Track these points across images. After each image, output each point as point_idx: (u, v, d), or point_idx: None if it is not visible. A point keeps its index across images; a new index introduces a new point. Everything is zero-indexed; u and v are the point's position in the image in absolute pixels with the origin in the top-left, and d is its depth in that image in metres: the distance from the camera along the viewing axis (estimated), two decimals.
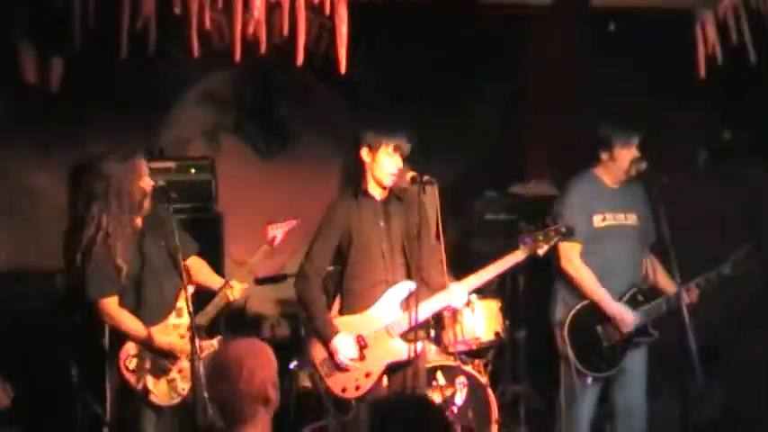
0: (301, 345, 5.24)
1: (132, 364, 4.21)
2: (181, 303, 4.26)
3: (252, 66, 5.36)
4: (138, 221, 4.31)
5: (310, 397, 5.21)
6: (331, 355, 4.31)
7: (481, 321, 5.17)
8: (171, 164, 5.41)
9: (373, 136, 4.33)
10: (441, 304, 4.35)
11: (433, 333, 4.64)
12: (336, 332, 4.32)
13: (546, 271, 4.74)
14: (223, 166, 5.75)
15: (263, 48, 4.23)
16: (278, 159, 6.22)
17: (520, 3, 6.42)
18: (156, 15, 4.14)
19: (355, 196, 4.41)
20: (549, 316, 4.73)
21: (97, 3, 4.17)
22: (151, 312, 4.27)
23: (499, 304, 5.26)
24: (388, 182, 4.34)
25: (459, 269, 4.62)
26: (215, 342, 4.31)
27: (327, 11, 4.24)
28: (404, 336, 4.30)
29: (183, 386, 4.25)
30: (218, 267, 4.86)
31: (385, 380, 4.40)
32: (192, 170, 5.54)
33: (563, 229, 4.41)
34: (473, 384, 5.02)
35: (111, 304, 4.23)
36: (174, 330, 4.27)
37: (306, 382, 5.18)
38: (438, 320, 5.07)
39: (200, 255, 4.51)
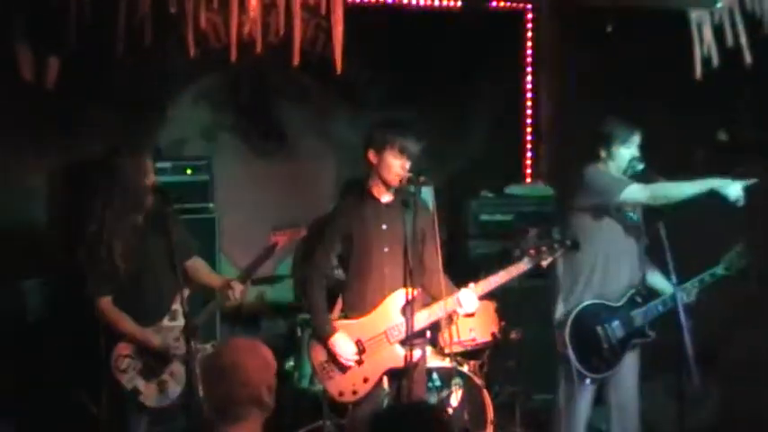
0: (297, 345, 5.24)
1: (123, 364, 4.20)
2: (176, 306, 4.25)
3: (248, 66, 5.35)
4: (140, 219, 4.30)
5: (306, 399, 5.21)
6: (329, 353, 4.30)
7: (477, 322, 5.17)
8: (168, 164, 5.41)
9: (380, 136, 4.27)
10: (449, 308, 4.32)
11: (429, 334, 4.62)
12: (335, 330, 4.30)
13: (541, 271, 4.74)
14: (219, 166, 5.75)
15: (259, 48, 4.23)
16: (274, 159, 6.22)
17: (517, 2, 6.44)
18: (152, 15, 4.13)
19: (360, 198, 4.37)
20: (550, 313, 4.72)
21: (93, 2, 4.16)
22: (146, 313, 4.26)
23: (495, 305, 5.27)
24: (395, 184, 4.28)
25: (455, 270, 4.62)
26: (209, 347, 4.30)
27: (323, 11, 4.24)
28: (403, 342, 4.27)
29: (174, 389, 4.23)
30: (213, 267, 4.85)
31: (385, 381, 4.39)
32: (189, 170, 5.54)
33: (568, 243, 4.40)
34: (468, 385, 5.02)
35: (107, 303, 4.23)
36: (166, 333, 4.26)
37: (301, 383, 5.18)
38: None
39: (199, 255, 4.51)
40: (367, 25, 5.48)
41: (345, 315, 4.39)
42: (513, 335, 5.39)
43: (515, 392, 5.36)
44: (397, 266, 4.27)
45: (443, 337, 5.08)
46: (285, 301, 5.70)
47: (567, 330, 4.58)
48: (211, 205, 5.59)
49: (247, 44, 4.29)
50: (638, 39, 5.73)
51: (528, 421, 5.34)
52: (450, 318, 4.93)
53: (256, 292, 5.81)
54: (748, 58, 4.92)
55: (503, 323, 5.30)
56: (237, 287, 4.31)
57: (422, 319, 4.29)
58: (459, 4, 6.37)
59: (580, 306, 4.62)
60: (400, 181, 4.25)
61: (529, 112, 6.70)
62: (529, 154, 6.70)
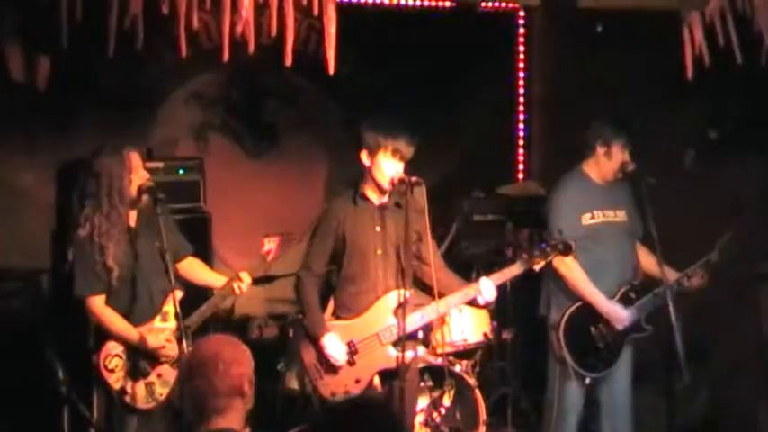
0: (289, 346, 5.23)
1: (112, 363, 4.19)
2: (167, 307, 4.24)
3: (240, 66, 5.34)
4: (132, 217, 4.28)
5: (297, 399, 5.20)
6: (320, 353, 4.29)
7: (469, 322, 5.17)
8: (159, 164, 5.39)
9: (373, 139, 4.26)
10: (467, 297, 4.33)
11: (421, 335, 4.63)
12: (327, 330, 4.30)
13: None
14: (211, 167, 5.74)
15: (251, 48, 4.23)
16: (266, 159, 6.21)
17: (510, 3, 6.44)
18: (144, 15, 4.12)
19: (353, 199, 4.36)
20: (542, 313, 4.72)
21: (85, 1, 4.15)
22: (138, 313, 4.25)
23: None
24: (387, 186, 4.27)
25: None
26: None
27: (316, 12, 4.23)
28: (395, 343, 4.27)
29: (161, 390, 4.22)
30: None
31: (377, 382, 4.38)
32: (181, 171, 5.53)
33: (561, 247, 4.40)
34: (461, 385, 5.03)
35: (98, 301, 4.21)
36: (158, 334, 4.24)
37: (293, 384, 5.17)
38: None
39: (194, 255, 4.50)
40: (359, 26, 5.47)
41: (337, 316, 4.40)
42: (505, 335, 5.40)
43: (507, 393, 5.37)
44: (390, 268, 4.28)
45: (436, 337, 5.09)
46: (278, 300, 5.69)
47: (561, 331, 4.59)
48: (203, 205, 5.58)
49: (239, 44, 4.28)
50: (630, 39, 5.75)
51: (520, 421, 5.35)
52: (443, 318, 4.94)
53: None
54: (739, 58, 4.94)
55: (494, 323, 5.30)
56: (246, 279, 4.30)
57: (414, 320, 4.29)
58: (449, 4, 6.37)
59: (573, 306, 4.63)
60: (393, 182, 4.25)
61: (521, 111, 6.70)
62: (521, 154, 6.71)
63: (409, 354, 4.26)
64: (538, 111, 6.69)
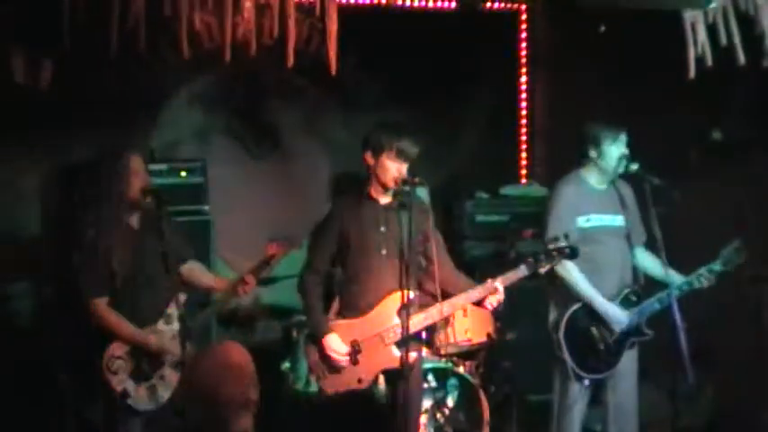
0: (292, 347, 5.23)
1: (115, 365, 4.19)
2: (171, 310, 4.24)
3: (242, 67, 5.34)
4: (135, 220, 4.28)
5: (302, 400, 5.20)
6: (322, 352, 4.30)
7: (472, 323, 5.16)
8: (162, 166, 5.40)
9: (377, 140, 4.28)
10: (478, 295, 4.33)
11: (424, 335, 4.62)
12: (330, 330, 4.31)
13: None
14: (213, 168, 5.73)
15: (252, 49, 4.23)
16: (268, 160, 6.20)
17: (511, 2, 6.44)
18: (146, 16, 4.13)
19: (358, 199, 4.38)
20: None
21: (87, 3, 4.15)
22: (141, 316, 4.25)
23: None
24: (392, 186, 4.29)
25: None
26: None
27: (318, 12, 4.23)
28: (399, 344, 4.27)
29: (163, 393, 4.22)
30: (208, 269, 4.83)
31: (382, 381, 4.39)
32: (183, 173, 5.53)
33: (567, 251, 4.39)
34: (464, 386, 5.03)
35: (103, 304, 4.22)
36: (161, 336, 4.24)
37: (296, 385, 5.17)
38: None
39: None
40: (361, 26, 5.47)
41: (342, 315, 4.40)
42: (509, 335, 5.39)
43: (511, 393, 5.36)
44: (394, 268, 4.27)
45: (439, 337, 5.08)
46: (281, 303, 5.68)
47: (562, 332, 4.59)
48: (206, 207, 5.58)
49: (241, 45, 4.28)
50: (633, 38, 5.74)
51: (524, 422, 5.34)
52: (447, 319, 4.94)
53: (252, 295, 5.79)
54: (742, 57, 4.93)
55: (498, 324, 5.29)
56: (252, 281, 4.30)
57: (418, 321, 4.29)
58: (454, 4, 6.37)
59: (573, 307, 4.62)
60: (396, 182, 4.26)
61: (524, 112, 6.70)
62: (524, 155, 6.70)
63: (413, 354, 4.26)
64: (542, 111, 6.68)
